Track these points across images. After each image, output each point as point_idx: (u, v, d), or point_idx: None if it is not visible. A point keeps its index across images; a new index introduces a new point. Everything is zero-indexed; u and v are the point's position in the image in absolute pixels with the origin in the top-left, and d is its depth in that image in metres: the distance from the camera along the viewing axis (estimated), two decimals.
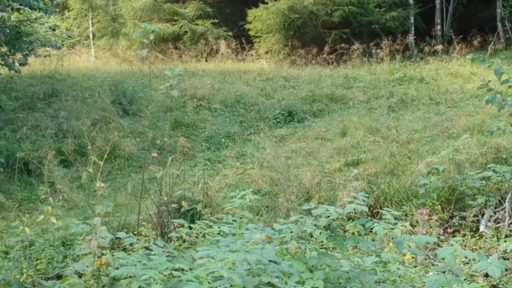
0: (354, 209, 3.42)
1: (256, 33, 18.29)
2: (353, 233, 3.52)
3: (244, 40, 18.93)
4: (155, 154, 5.90)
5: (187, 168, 8.19)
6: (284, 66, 16.91)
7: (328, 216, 3.51)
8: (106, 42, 22.27)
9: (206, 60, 19.06)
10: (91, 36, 22.92)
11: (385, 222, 3.42)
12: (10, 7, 9.73)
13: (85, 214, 6.57)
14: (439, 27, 20.95)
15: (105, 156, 6.71)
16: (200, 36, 19.99)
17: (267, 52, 18.14)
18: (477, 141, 7.87)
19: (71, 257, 5.28)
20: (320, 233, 3.55)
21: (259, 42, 18.19)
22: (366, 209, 3.44)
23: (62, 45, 10.67)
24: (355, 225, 3.43)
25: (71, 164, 8.44)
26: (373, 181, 6.59)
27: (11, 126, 9.78)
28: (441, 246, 4.95)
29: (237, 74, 15.29)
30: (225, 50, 18.03)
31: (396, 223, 3.47)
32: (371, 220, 3.46)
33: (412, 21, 19.10)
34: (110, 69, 18.16)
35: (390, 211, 3.47)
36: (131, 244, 4.48)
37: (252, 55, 18.10)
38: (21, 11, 10.19)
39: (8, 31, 8.82)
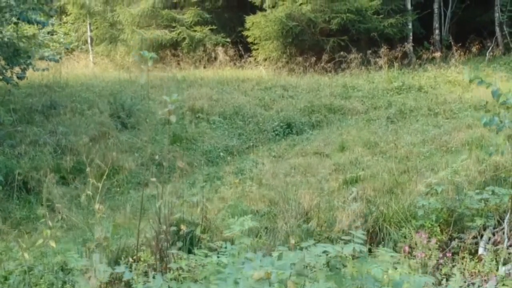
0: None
1: (254, 40, 18.30)
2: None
3: (242, 47, 18.96)
4: (154, 179, 5.88)
5: (186, 185, 8.21)
6: (282, 73, 16.91)
7: (327, 255, 3.53)
8: (104, 48, 22.30)
9: (204, 67, 19.07)
10: (89, 42, 22.93)
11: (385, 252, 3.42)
12: (7, 21, 9.72)
13: (84, 236, 6.57)
14: (437, 31, 21.00)
15: (104, 177, 6.73)
16: (198, 43, 20.01)
17: (265, 59, 18.16)
18: (475, 158, 7.88)
19: (70, 284, 5.30)
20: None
21: (257, 49, 18.20)
22: (365, 249, 3.45)
23: (60, 58, 10.59)
24: (353, 266, 3.43)
25: (70, 181, 8.46)
26: (372, 201, 6.59)
27: (9, 141, 9.77)
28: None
29: (235, 82, 15.30)
30: (224, 58, 18.03)
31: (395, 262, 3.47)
32: (370, 259, 3.47)
33: (410, 27, 19.15)
34: (109, 76, 18.17)
35: (388, 251, 3.48)
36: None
37: (250, 62, 18.10)
38: (19, 25, 10.17)
39: (6, 47, 8.83)
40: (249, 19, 18.51)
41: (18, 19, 9.62)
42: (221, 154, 9.84)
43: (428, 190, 6.52)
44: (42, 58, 10.14)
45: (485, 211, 6.32)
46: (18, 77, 10.17)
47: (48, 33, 18.39)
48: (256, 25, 18.16)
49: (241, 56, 18.64)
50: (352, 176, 7.73)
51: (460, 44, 18.22)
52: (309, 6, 16.91)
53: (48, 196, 7.41)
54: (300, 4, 17.09)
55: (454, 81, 14.63)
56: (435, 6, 20.98)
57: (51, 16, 12.42)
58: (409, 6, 19.15)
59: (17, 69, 10.24)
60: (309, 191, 6.72)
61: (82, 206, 7.75)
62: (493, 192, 6.22)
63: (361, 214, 6.19)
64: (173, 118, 5.60)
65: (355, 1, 16.75)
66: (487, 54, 18.57)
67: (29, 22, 9.55)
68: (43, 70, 10.59)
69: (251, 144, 10.32)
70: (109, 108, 11.55)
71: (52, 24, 17.97)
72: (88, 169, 6.00)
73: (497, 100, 6.40)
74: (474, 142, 8.70)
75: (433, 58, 16.93)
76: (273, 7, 18.25)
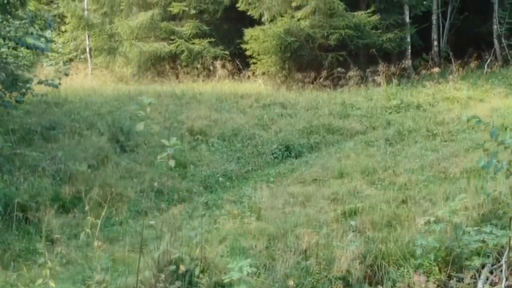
0: None
1: (252, 54, 18.33)
2: None
3: (241, 60, 19.03)
4: (152, 222, 5.92)
5: (185, 214, 8.24)
6: (281, 89, 16.96)
7: None
8: (103, 60, 22.33)
9: (203, 81, 19.12)
10: (88, 54, 22.95)
11: None
12: (7, 46, 9.75)
13: (83, 273, 6.59)
14: (435, 43, 21.06)
15: (103, 212, 6.74)
16: (197, 55, 20.06)
17: (263, 73, 18.19)
18: (473, 188, 7.91)
19: None
20: None
21: (255, 63, 18.23)
22: None
23: (60, 83, 10.62)
24: None
25: (69, 210, 8.49)
26: (370, 237, 6.62)
27: (8, 166, 9.77)
28: None
29: (234, 98, 15.34)
30: (222, 72, 18.07)
31: None
32: None
33: (408, 40, 19.17)
34: (107, 90, 18.17)
35: None
36: None
37: (249, 77, 18.15)
38: (18, 50, 10.21)
39: (4, 76, 8.85)
40: (248, 32, 18.54)
41: (17, 44, 9.64)
42: (220, 179, 9.86)
43: (427, 228, 6.54)
44: (41, 82, 10.15)
45: (484, 249, 6.35)
46: (16, 101, 10.19)
47: (48, 41, 18.36)
48: (254, 38, 18.19)
49: (239, 70, 18.70)
50: (351, 207, 7.75)
51: (458, 57, 18.28)
52: (308, 21, 16.94)
53: (47, 227, 7.45)
54: (299, 20, 17.12)
55: (453, 98, 14.68)
56: (434, 17, 21.04)
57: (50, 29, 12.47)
58: (407, 19, 19.19)
59: (15, 93, 10.26)
60: (308, 229, 6.74)
61: (81, 239, 7.79)
62: (491, 232, 6.24)
63: (360, 253, 6.22)
64: (171, 163, 5.65)
65: (354, 17, 16.78)
66: (486, 66, 18.62)
67: (28, 47, 9.57)
68: (42, 96, 10.61)
69: (250, 168, 10.35)
70: (108, 130, 11.56)
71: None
72: (87, 207, 6.07)
73: (495, 140, 6.43)
74: (472, 170, 8.71)
75: (431, 73, 16.96)
76: (272, 20, 18.27)
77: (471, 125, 11.96)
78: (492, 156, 6.18)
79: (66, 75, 11.27)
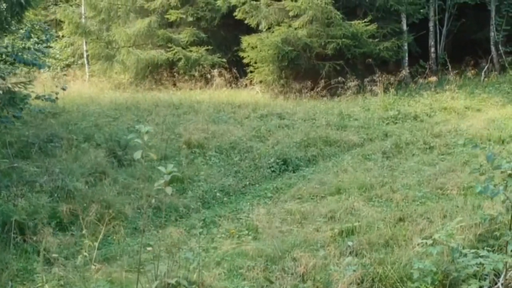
0: None
1: (250, 62, 18.36)
2: None
3: (238, 67, 19.07)
4: (150, 249, 5.94)
5: (182, 231, 8.25)
6: (278, 97, 17.00)
7: None
8: (100, 67, 22.34)
9: (200, 88, 19.16)
10: (85, 61, 22.95)
11: None
12: (3, 61, 9.75)
13: None
14: (433, 49, 21.12)
15: (101, 234, 6.77)
16: (194, 63, 20.08)
17: (261, 82, 18.23)
18: (470, 206, 7.96)
19: None
20: None
21: (253, 72, 18.26)
22: None
23: (57, 98, 10.64)
24: None
25: (67, 227, 8.49)
26: (368, 257, 6.66)
27: (6, 181, 9.76)
28: None
29: (231, 108, 15.38)
30: (219, 81, 18.11)
31: None
32: None
33: (406, 48, 19.22)
34: (104, 99, 18.19)
35: None
36: None
37: (246, 85, 18.19)
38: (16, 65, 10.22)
39: (1, 93, 8.85)
40: (245, 40, 18.58)
41: (14, 60, 9.64)
42: (218, 194, 9.87)
43: (424, 250, 6.57)
44: (38, 98, 10.15)
45: (481, 271, 6.37)
46: (14, 116, 10.19)
47: (45, 55, 18.36)
48: (251, 46, 18.23)
49: (236, 79, 18.74)
50: (348, 226, 7.77)
51: (456, 64, 18.34)
52: (305, 30, 16.98)
53: (44, 246, 7.44)
54: (296, 29, 17.16)
55: (450, 108, 14.74)
56: (431, 24, 21.12)
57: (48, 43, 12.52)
58: (404, 27, 19.23)
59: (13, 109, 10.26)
60: (305, 250, 6.76)
61: (79, 261, 7.79)
62: (488, 257, 6.27)
63: (357, 277, 6.25)
64: (168, 191, 5.67)
65: (351, 26, 16.82)
66: (483, 74, 18.68)
67: (25, 63, 9.58)
68: (39, 111, 10.61)
69: (247, 182, 10.37)
70: (105, 142, 11.57)
71: (48, 41, 17.97)
72: (84, 226, 6.08)
73: (492, 164, 6.46)
74: (469, 187, 8.74)
75: (428, 82, 17.01)
76: (269, 28, 18.30)
77: (468, 135, 12.08)
78: (488, 181, 6.20)
79: (64, 89, 11.27)
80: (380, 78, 16.26)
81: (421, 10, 19.75)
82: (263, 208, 8.81)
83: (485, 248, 6.62)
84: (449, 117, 14.06)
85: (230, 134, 12.45)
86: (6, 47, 8.94)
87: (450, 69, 17.93)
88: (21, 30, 13.39)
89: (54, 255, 7.15)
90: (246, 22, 18.89)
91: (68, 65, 25.46)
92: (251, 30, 19.12)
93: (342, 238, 7.49)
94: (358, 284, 6.29)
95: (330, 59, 17.15)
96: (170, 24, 21.75)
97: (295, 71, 17.68)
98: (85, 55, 22.99)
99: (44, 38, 11.12)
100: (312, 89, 16.76)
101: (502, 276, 6.28)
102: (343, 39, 16.67)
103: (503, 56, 20.13)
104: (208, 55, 20.09)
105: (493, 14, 20.08)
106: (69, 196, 9.11)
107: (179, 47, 20.25)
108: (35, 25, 10.31)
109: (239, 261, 6.97)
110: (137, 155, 5.41)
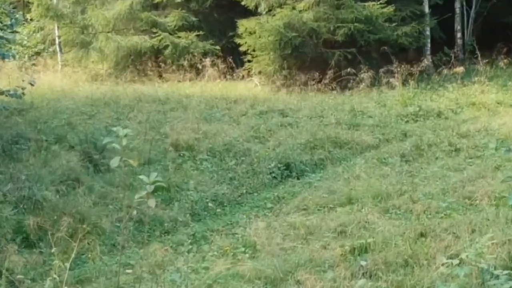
0: None
1: (247, 50, 18.30)
2: None
3: (234, 56, 18.99)
4: (129, 271, 5.89)
5: (168, 248, 8.20)
6: (280, 91, 16.95)
7: None
8: (74, 56, 22.29)
9: (190, 80, 19.12)
10: (57, 49, 22.91)
11: None
12: None
13: None
14: (459, 35, 21.06)
15: (74, 251, 6.70)
16: (183, 51, 20.02)
17: (260, 73, 18.17)
18: (503, 219, 7.91)
19: None
20: None
21: (251, 61, 18.20)
22: None
23: (23, 93, 10.59)
24: None
25: (34, 243, 8.44)
26: (384, 284, 6.60)
27: None
28: None
29: (226, 104, 15.37)
30: (212, 71, 18.07)
31: None
32: None
33: (428, 33, 19.16)
34: (79, 93, 18.16)
35: None
36: None
37: (243, 76, 18.15)
38: None
39: None
40: (242, 24, 18.52)
41: None
42: (210, 204, 9.82)
43: (449, 272, 6.52)
44: (2, 93, 10.12)
45: None
46: None
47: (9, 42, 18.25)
48: (249, 31, 18.17)
49: (232, 69, 18.68)
50: (361, 243, 7.72)
51: (485, 52, 18.25)
52: (311, 14, 16.95)
53: (8, 265, 7.40)
54: (301, 12, 17.12)
55: (479, 104, 14.70)
56: (457, 5, 21.05)
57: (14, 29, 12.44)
58: (426, 10, 19.17)
59: None
60: (311, 271, 6.72)
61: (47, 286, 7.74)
62: None
63: None
64: (152, 203, 5.60)
65: (364, 8, 16.79)
66: None
67: None
68: (4, 107, 10.59)
69: (244, 191, 10.32)
70: (79, 144, 11.52)
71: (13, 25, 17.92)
72: (53, 250, 6.03)
73: None
74: (502, 197, 8.69)
75: (454, 73, 16.95)
76: (270, 10, 18.26)
77: (500, 135, 12.02)
78: None
79: (32, 85, 11.24)
80: (398, 69, 16.18)
81: None
82: (262, 221, 8.75)
83: None
84: (478, 114, 14.01)
85: (224, 134, 12.41)
86: None
87: (479, 57, 17.85)
88: None
89: (19, 276, 7.09)
90: (243, 3, 18.86)
91: (38, 53, 25.37)
92: (249, 13, 19.07)
93: (354, 257, 7.43)
94: None
95: (340, 47, 17.10)
96: (155, 6, 21.70)
97: (300, 60, 17.64)
98: (57, 42, 22.94)
99: (9, 22, 10.97)
100: (319, 81, 16.70)
101: None
102: (355, 24, 16.62)
103: None
104: (199, 42, 20.05)
105: None
106: (37, 207, 9.05)
107: (165, 33, 20.22)
108: None
109: (234, 284, 6.92)
110: (115, 162, 5.33)
